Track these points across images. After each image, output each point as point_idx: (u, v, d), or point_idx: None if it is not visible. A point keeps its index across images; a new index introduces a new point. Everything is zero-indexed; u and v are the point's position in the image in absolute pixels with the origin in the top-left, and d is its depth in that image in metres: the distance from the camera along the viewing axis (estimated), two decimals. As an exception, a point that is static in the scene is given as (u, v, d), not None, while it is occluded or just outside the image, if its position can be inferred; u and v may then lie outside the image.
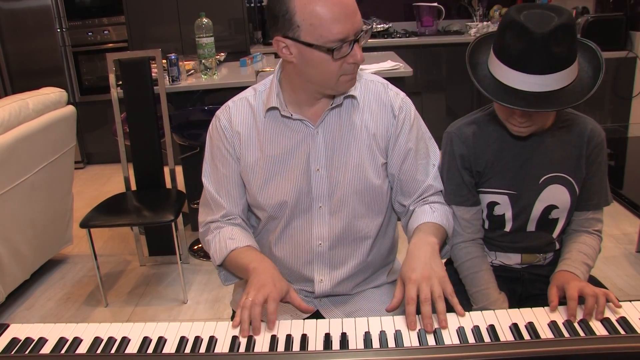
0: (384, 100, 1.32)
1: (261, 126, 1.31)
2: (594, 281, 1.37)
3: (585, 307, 1.10)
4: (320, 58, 1.16)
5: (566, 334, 1.04)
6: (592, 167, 1.33)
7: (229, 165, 1.33)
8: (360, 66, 1.25)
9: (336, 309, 1.36)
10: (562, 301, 1.15)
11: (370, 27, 1.23)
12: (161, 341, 1.06)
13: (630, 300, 1.13)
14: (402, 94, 1.35)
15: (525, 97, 1.15)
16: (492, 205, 1.37)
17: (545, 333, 1.05)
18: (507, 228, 1.39)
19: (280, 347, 1.04)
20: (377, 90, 1.33)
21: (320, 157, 1.29)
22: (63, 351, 1.05)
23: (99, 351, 1.05)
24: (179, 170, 3.12)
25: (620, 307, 1.10)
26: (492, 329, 1.06)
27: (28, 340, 1.08)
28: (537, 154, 1.32)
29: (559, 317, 1.10)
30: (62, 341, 1.07)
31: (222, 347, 1.05)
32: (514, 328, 1.05)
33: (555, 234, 1.39)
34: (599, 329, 1.05)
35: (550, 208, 1.35)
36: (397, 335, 1.05)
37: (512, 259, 1.42)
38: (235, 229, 1.34)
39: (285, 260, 1.36)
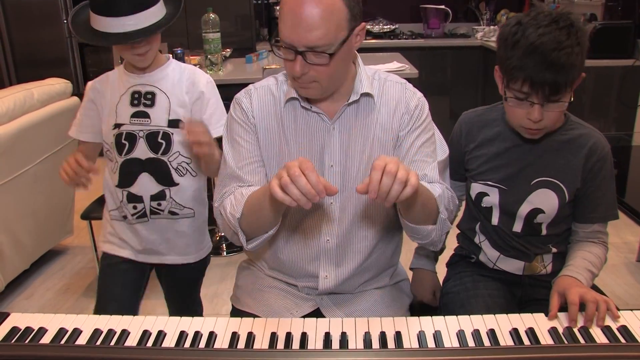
0: (400, 98, 1.31)
1: (281, 117, 1.30)
2: (594, 289, 1.37)
3: (586, 313, 1.10)
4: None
5: (566, 341, 1.04)
6: (594, 180, 1.33)
7: (252, 142, 1.31)
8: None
9: (337, 308, 1.35)
10: (564, 307, 1.15)
11: (331, 53, 1.14)
12: (160, 335, 1.06)
13: (631, 309, 1.13)
14: (419, 94, 1.34)
15: (118, 39, 1.43)
16: (480, 195, 1.40)
17: (545, 339, 1.05)
18: (495, 222, 1.40)
19: (280, 345, 1.04)
20: (395, 89, 1.32)
21: (335, 153, 1.29)
22: (63, 342, 1.05)
23: (98, 343, 1.05)
24: (181, 164, 3.11)
25: (618, 317, 1.10)
26: (492, 333, 1.06)
27: (28, 329, 1.08)
28: (536, 156, 1.34)
29: (559, 323, 1.10)
30: (62, 332, 1.07)
31: (222, 342, 1.05)
32: (514, 333, 1.05)
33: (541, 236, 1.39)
34: (599, 337, 1.05)
35: (536, 212, 1.35)
36: (397, 336, 1.05)
37: (515, 265, 1.42)
38: (251, 187, 1.28)
39: (291, 254, 1.35)
